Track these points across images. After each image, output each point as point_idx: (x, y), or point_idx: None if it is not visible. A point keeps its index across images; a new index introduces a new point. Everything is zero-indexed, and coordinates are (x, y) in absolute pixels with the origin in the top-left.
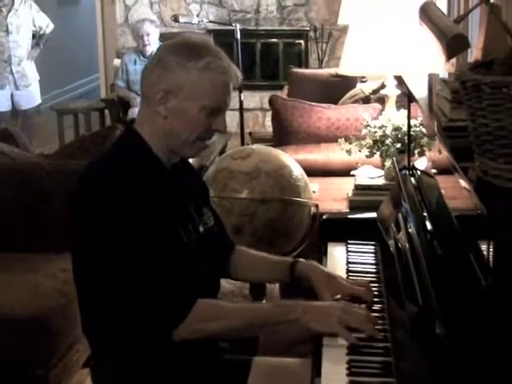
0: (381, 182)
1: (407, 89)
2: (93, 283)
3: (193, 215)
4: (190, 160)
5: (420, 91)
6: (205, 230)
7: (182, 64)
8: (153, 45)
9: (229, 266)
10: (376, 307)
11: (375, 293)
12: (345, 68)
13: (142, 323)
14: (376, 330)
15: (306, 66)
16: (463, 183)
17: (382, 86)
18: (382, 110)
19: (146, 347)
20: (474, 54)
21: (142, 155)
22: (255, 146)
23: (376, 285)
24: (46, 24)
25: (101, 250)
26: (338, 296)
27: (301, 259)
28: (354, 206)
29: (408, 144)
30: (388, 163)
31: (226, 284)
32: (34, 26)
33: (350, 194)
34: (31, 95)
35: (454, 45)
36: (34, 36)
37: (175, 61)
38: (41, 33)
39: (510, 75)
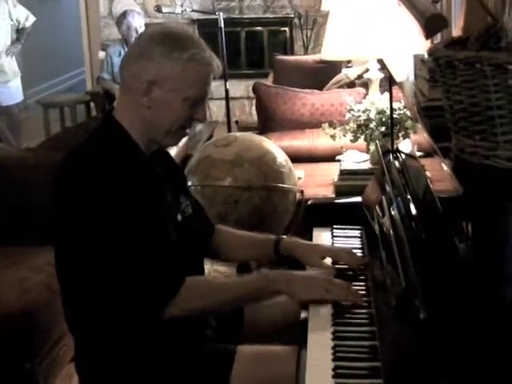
0: (366, 166)
1: (388, 72)
2: (76, 273)
3: (171, 204)
4: (175, 149)
5: (406, 73)
6: (183, 219)
7: (166, 55)
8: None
9: (211, 246)
10: (362, 291)
11: (361, 277)
12: (325, 53)
13: (131, 306)
14: (360, 297)
15: (292, 54)
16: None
17: (367, 71)
18: (367, 94)
19: (129, 337)
20: (455, 33)
21: (123, 143)
22: (238, 134)
23: (364, 264)
24: (25, 17)
25: (82, 239)
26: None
27: (284, 236)
28: (340, 191)
29: (391, 127)
30: (373, 147)
31: (213, 273)
32: (12, 21)
33: (335, 180)
34: (11, 91)
35: (432, 24)
36: (16, 31)
37: (159, 51)
38: (20, 27)
39: (483, 51)
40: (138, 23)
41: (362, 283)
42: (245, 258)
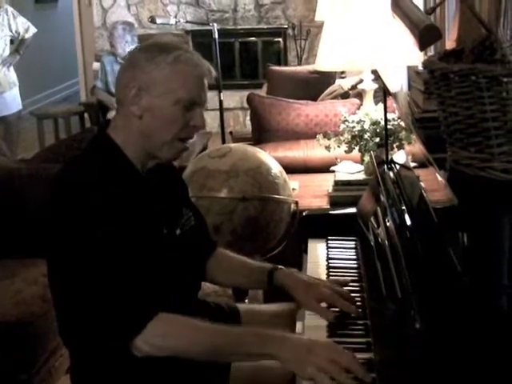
0: (361, 176)
1: (382, 83)
2: (59, 287)
3: (169, 219)
4: None
5: (400, 84)
6: (182, 233)
7: (151, 59)
8: (119, 49)
9: (207, 269)
10: (357, 303)
11: (356, 288)
12: (320, 64)
13: (101, 330)
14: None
15: (286, 64)
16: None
17: (361, 81)
18: (361, 104)
19: (118, 353)
20: (448, 45)
21: (113, 162)
22: (232, 145)
23: (356, 279)
24: (25, 29)
25: (66, 253)
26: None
27: (280, 266)
28: (335, 202)
29: (386, 138)
30: (367, 158)
31: (209, 284)
32: (11, 32)
33: (330, 190)
34: (6, 102)
35: (426, 36)
36: (12, 41)
37: (144, 58)
38: (19, 38)
39: (478, 63)
40: (121, 35)
41: (357, 294)
42: (239, 285)
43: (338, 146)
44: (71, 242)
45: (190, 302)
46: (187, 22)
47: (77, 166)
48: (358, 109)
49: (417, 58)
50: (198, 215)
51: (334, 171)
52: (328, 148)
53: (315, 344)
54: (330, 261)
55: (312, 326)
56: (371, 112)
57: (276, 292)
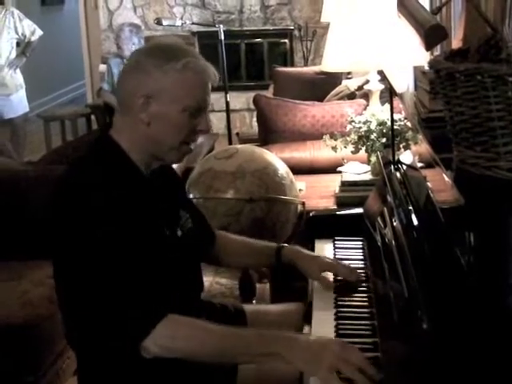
0: (367, 177)
1: (389, 83)
2: (65, 288)
3: (170, 220)
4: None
5: (407, 84)
6: (183, 234)
7: (160, 67)
8: (126, 50)
9: (212, 253)
10: (364, 302)
11: (363, 288)
12: (326, 64)
13: (109, 332)
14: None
15: (292, 65)
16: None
17: (367, 82)
18: (367, 105)
19: (124, 355)
20: (454, 44)
21: (118, 164)
22: (239, 146)
23: (363, 279)
24: (31, 31)
25: (72, 256)
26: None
27: (285, 244)
28: (342, 203)
29: (392, 138)
30: (374, 158)
31: (215, 285)
32: (17, 34)
33: (336, 191)
34: (12, 104)
35: (432, 36)
36: (18, 44)
37: (153, 64)
38: (26, 41)
39: (483, 63)
40: (128, 37)
41: (364, 294)
42: (245, 266)
43: (345, 147)
44: (76, 243)
45: (192, 303)
46: (193, 23)
47: (81, 167)
48: (365, 109)
49: (423, 58)
50: (197, 217)
51: (340, 172)
52: (334, 149)
53: (325, 343)
54: None
55: (319, 324)
56: (378, 112)
57: (284, 294)
